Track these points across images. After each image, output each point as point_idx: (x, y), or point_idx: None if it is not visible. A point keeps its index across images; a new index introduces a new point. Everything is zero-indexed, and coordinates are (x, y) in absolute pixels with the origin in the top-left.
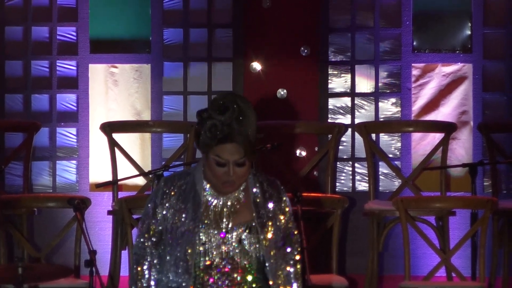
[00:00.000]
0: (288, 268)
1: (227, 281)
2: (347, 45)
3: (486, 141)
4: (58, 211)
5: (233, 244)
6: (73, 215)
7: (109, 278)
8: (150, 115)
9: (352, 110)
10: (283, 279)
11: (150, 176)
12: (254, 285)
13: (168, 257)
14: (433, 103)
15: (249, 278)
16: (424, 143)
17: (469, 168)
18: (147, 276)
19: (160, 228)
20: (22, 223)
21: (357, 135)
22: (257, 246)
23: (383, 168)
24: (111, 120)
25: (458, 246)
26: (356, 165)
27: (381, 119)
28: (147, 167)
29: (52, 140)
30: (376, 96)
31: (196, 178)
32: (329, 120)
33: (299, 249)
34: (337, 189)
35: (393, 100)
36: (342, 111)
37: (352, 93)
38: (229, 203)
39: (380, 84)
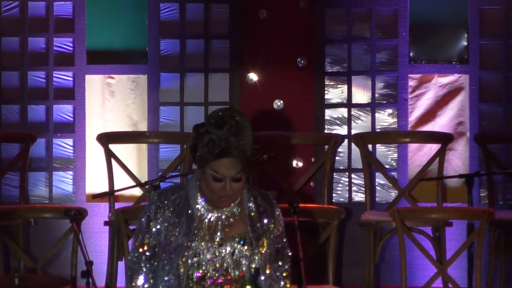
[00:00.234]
0: (281, 283)
1: None
2: (343, 56)
3: (482, 152)
4: (55, 221)
5: (227, 255)
6: (70, 226)
7: None
8: (146, 126)
9: (348, 121)
10: None
11: (147, 187)
12: None
13: (160, 272)
14: (430, 114)
15: None
16: (420, 154)
17: (466, 179)
18: None
19: (154, 242)
20: (19, 233)
21: (353, 146)
22: (251, 258)
23: (380, 179)
24: (108, 131)
25: (455, 257)
26: (353, 175)
27: (378, 130)
28: (143, 178)
29: (49, 150)
30: (372, 106)
31: (190, 192)
32: (325, 131)
33: (289, 264)
34: (333, 200)
35: (389, 111)
36: (338, 122)
37: (348, 103)
38: (223, 217)
39: (376, 95)
